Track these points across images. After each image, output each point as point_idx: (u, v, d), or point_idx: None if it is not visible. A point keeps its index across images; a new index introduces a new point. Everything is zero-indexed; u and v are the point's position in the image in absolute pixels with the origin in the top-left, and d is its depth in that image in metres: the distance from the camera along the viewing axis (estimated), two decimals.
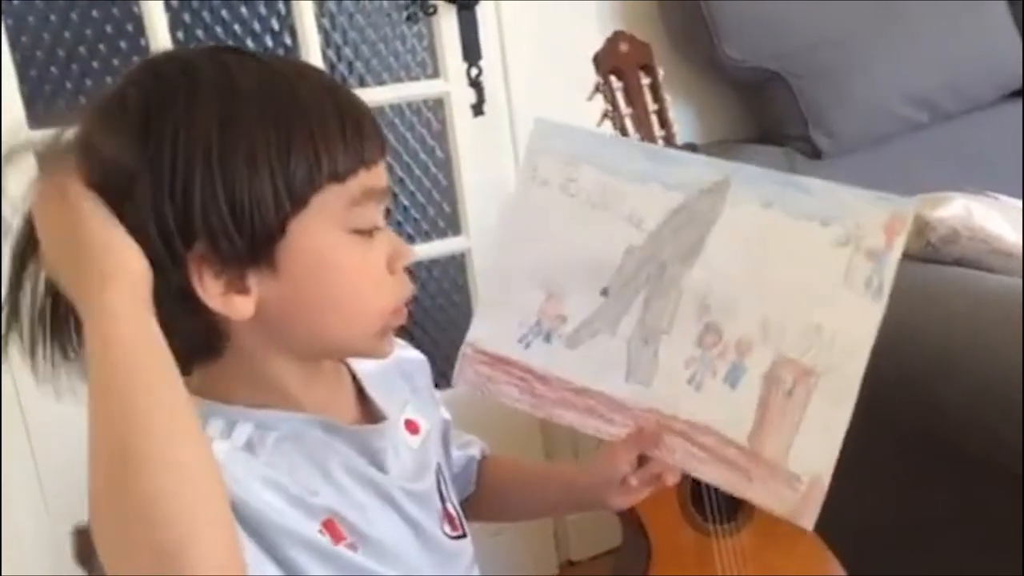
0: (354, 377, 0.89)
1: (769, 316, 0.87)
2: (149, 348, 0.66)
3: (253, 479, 0.74)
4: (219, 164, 0.72)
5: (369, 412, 0.88)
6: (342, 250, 0.77)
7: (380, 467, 0.84)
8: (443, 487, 0.91)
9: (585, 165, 0.92)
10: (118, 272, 0.67)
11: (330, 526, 0.77)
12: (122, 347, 0.65)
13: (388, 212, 0.85)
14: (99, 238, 0.68)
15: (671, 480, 0.94)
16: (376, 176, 0.78)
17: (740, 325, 0.88)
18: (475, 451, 1.06)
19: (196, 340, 0.76)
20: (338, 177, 0.75)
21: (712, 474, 0.89)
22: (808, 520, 0.84)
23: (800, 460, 0.84)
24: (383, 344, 0.83)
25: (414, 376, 0.96)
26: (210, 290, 0.73)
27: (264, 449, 0.77)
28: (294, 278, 0.75)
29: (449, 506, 0.91)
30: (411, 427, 0.90)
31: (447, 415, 1.00)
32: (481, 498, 1.04)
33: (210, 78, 0.75)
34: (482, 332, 0.95)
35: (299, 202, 0.74)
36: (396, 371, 0.93)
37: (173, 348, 0.68)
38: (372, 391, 0.88)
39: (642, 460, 0.94)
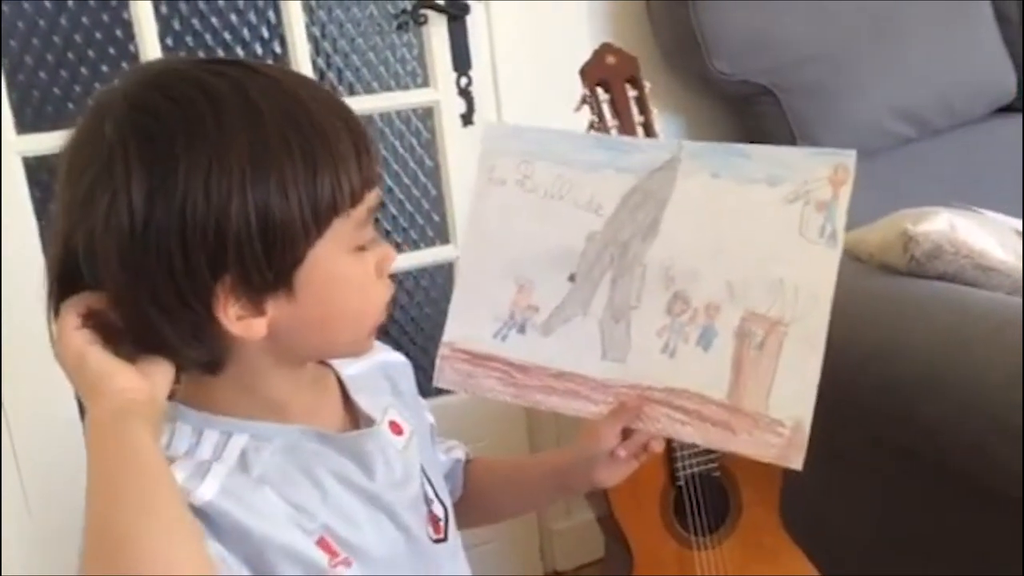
0: (339, 381, 0.90)
1: (732, 278, 0.90)
2: (132, 457, 0.68)
3: (256, 495, 0.75)
4: (253, 194, 0.71)
5: (355, 417, 0.89)
6: (350, 268, 0.78)
7: (370, 473, 0.84)
8: (427, 490, 0.92)
9: (539, 161, 0.95)
10: (105, 390, 0.71)
11: (324, 544, 0.78)
12: (103, 454, 0.68)
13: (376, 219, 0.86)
14: (90, 364, 0.72)
15: (658, 448, 0.96)
16: (377, 193, 0.79)
17: (706, 290, 0.91)
18: (460, 454, 1.07)
19: (201, 363, 0.77)
20: (354, 201, 0.76)
21: (697, 435, 0.91)
22: (796, 462, 0.87)
23: (780, 406, 0.88)
24: (369, 342, 0.86)
25: (397, 379, 0.97)
26: (231, 316, 0.74)
27: (260, 461, 0.78)
28: (307, 298, 0.76)
29: (436, 508, 0.92)
30: (395, 429, 0.91)
31: (431, 419, 1.01)
32: (470, 500, 1.05)
33: (233, 102, 0.73)
34: (458, 332, 0.97)
35: (322, 228, 0.75)
36: (380, 373, 0.95)
37: (177, 369, 0.75)
38: (357, 395, 0.89)
39: (626, 433, 0.95)
